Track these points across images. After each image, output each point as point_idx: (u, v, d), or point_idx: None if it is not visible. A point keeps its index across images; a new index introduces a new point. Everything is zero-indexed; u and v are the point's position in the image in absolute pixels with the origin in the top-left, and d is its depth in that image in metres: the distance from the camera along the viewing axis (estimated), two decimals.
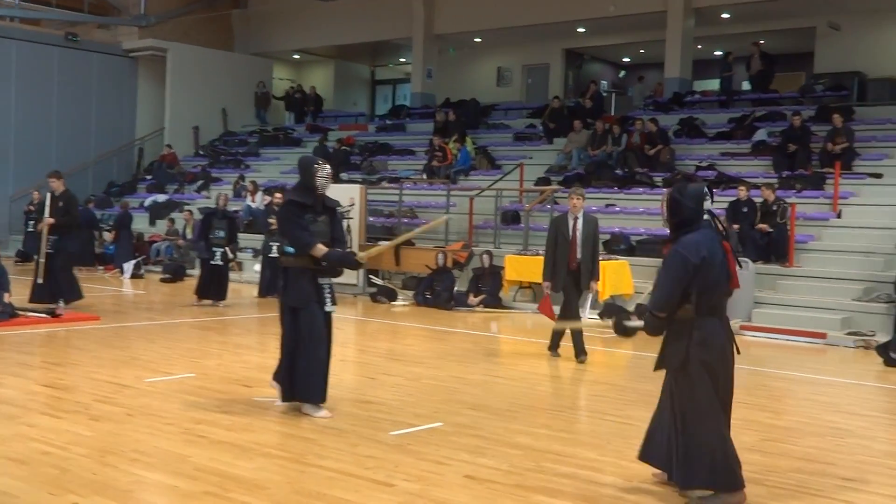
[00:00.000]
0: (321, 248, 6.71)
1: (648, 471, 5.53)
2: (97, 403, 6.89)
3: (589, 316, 10.27)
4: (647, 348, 11.02)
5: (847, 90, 19.85)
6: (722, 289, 5.08)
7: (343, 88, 31.20)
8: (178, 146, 26.06)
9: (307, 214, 6.80)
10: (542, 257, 14.73)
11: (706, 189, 5.19)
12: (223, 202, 14.64)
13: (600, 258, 13.09)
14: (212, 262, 13.99)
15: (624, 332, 5.67)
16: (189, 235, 19.90)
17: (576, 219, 9.87)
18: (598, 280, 10.03)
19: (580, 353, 9.87)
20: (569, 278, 9.79)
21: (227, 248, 14.17)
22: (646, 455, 5.36)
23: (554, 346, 10.23)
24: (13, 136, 23.87)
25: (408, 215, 18.58)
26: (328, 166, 6.99)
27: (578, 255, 9.76)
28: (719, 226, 5.20)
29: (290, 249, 6.79)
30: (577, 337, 9.93)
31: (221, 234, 14.15)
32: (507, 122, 23.44)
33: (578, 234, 9.80)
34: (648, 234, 15.63)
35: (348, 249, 7.14)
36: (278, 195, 16.20)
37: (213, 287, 14.04)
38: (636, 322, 5.54)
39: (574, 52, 26.60)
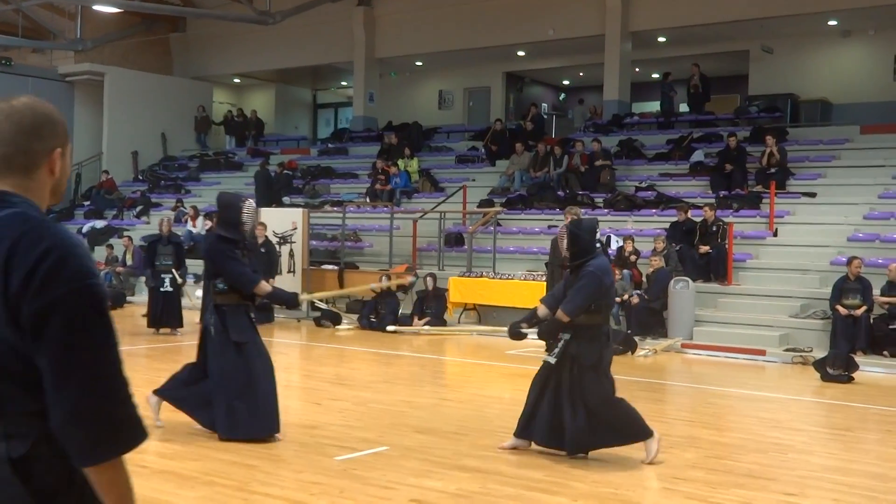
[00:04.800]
0: (265, 286, 6.81)
1: (596, 489, 5.57)
2: None
3: None
4: None
5: (780, 112, 20.34)
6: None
7: (284, 112, 31.06)
8: (117, 171, 25.67)
9: (237, 251, 6.76)
10: (485, 279, 14.92)
11: (597, 223, 6.67)
12: (167, 228, 14.37)
13: (544, 278, 13.32)
14: (162, 290, 13.69)
15: (517, 336, 6.81)
16: (129, 262, 19.58)
17: None
18: None
19: None
20: None
21: (175, 274, 13.86)
22: (528, 434, 6.51)
23: None
24: None
25: (351, 239, 18.53)
26: (252, 202, 7.03)
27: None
28: (606, 251, 6.43)
29: (223, 286, 6.69)
30: None
31: (168, 260, 13.86)
32: (449, 144, 23.55)
33: None
34: None
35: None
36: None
37: (168, 315, 13.70)
38: (527, 329, 6.79)
39: (514, 75, 26.88)
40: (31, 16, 25.28)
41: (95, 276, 1.88)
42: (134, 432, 1.89)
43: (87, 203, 25.11)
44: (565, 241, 6.45)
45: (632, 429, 6.28)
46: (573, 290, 6.28)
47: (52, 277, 1.81)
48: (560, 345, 6.33)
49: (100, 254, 21.19)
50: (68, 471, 1.87)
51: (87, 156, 26.21)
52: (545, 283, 11.88)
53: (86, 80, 25.86)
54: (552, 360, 6.35)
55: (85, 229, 22.90)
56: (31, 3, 23.72)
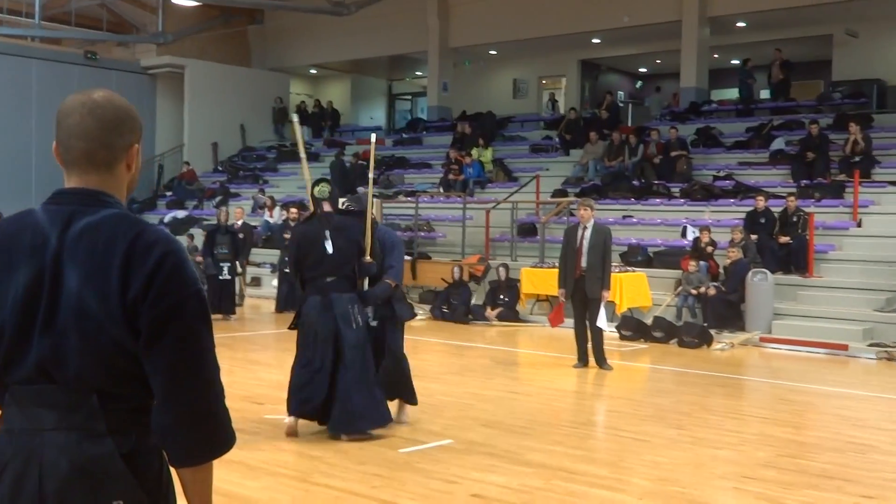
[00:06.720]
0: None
1: (662, 487, 5.44)
2: None
3: (607, 328, 10.28)
4: (664, 362, 10.95)
5: (866, 97, 19.66)
6: None
7: (360, 102, 31.25)
8: (198, 162, 26.17)
9: None
10: (557, 270, 14.76)
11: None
12: (224, 218, 14.84)
13: (617, 270, 13.15)
14: (220, 278, 14.14)
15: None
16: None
17: (584, 228, 10.12)
18: (608, 289, 10.05)
19: (601, 361, 10.12)
20: (575, 286, 10.05)
21: (235, 262, 14.35)
22: None
23: (579, 358, 10.30)
24: (34, 154, 24.03)
25: (424, 229, 18.55)
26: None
27: (584, 264, 9.97)
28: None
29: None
30: (597, 345, 10.11)
31: (225, 249, 14.30)
32: (523, 133, 23.40)
33: (585, 243, 9.99)
34: (666, 246, 15.50)
35: None
36: (294, 210, 16.24)
37: (222, 302, 14.13)
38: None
39: (590, 63, 26.54)
40: (115, 10, 25.90)
41: (200, 282, 1.96)
42: (232, 435, 1.97)
43: (169, 193, 25.66)
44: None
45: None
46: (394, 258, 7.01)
47: (172, 283, 1.87)
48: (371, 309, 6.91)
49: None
50: (161, 466, 1.95)
51: (168, 147, 26.78)
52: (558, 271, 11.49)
53: (167, 72, 26.39)
54: (373, 323, 6.93)
55: (167, 219, 23.40)
56: None
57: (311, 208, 6.98)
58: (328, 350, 6.42)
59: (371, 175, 7.22)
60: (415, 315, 7.13)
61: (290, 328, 6.83)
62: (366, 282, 6.87)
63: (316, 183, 6.88)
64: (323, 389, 6.44)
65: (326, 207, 6.78)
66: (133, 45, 26.80)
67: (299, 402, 6.50)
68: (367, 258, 6.77)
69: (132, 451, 1.88)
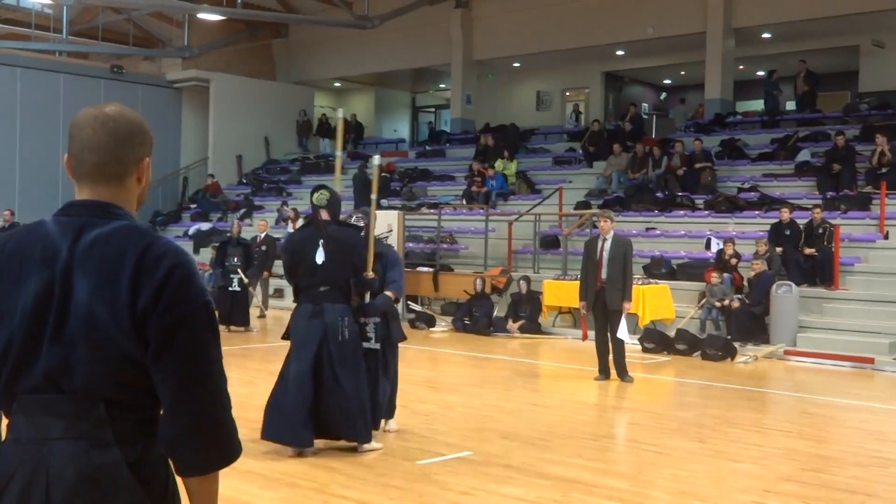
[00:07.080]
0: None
1: (681, 501, 5.39)
2: None
3: (628, 340, 10.22)
4: (687, 375, 10.87)
5: (893, 108, 19.46)
6: None
7: (384, 115, 31.35)
8: (222, 175, 26.33)
9: None
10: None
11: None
12: (237, 230, 14.93)
13: (640, 282, 13.09)
14: (230, 289, 14.17)
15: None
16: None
17: (604, 240, 10.11)
18: (629, 300, 10.02)
19: (622, 373, 10.09)
20: (596, 298, 10.05)
21: (242, 274, 14.37)
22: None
23: (600, 370, 10.27)
24: (61, 167, 24.11)
25: (447, 241, 18.55)
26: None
27: (604, 276, 9.97)
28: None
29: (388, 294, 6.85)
30: (618, 357, 10.07)
31: (237, 261, 14.35)
32: (546, 146, 23.38)
33: (605, 254, 9.99)
34: (689, 258, 15.40)
35: None
36: None
37: (236, 313, 14.15)
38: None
39: (614, 74, 26.49)
40: (141, 25, 26.19)
41: (209, 293, 1.97)
42: (238, 445, 1.99)
43: (194, 206, 25.83)
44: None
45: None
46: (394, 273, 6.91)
47: (181, 295, 1.89)
48: (374, 328, 6.61)
49: (205, 255, 21.78)
50: (167, 476, 1.96)
51: (193, 160, 26.97)
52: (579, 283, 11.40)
53: (192, 86, 26.59)
54: (377, 346, 6.65)
55: (191, 231, 23.57)
56: (142, 12, 24.57)
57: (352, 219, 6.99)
58: (310, 355, 6.21)
59: (374, 196, 6.91)
60: (406, 338, 7.14)
61: (283, 338, 6.65)
62: (367, 296, 6.65)
63: (315, 189, 6.64)
64: (303, 402, 6.22)
65: (324, 215, 6.49)
66: (159, 59, 27.06)
67: (276, 423, 6.29)
68: (370, 273, 6.53)
69: (139, 461, 1.90)
